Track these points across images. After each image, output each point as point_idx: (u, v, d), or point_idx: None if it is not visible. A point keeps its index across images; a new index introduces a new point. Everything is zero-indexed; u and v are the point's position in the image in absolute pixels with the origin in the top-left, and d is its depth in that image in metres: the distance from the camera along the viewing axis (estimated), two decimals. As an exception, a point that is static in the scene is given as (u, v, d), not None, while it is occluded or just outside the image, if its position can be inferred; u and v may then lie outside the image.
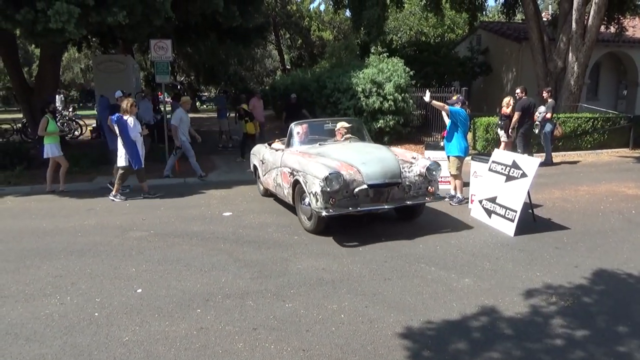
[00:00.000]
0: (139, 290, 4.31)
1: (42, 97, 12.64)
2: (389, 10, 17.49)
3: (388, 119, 12.52)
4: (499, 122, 10.19)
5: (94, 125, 16.33)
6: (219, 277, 4.61)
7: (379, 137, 12.93)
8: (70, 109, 20.37)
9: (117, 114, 7.82)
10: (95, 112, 19.38)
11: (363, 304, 3.97)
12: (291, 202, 6.36)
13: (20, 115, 16.41)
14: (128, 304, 4.04)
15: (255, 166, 8.18)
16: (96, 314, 3.87)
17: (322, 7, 36.74)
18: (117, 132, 7.75)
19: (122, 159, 7.82)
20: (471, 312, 3.78)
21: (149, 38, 10.85)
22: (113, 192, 8.01)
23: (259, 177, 7.98)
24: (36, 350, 3.35)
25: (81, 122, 17.50)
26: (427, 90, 7.39)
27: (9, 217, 7.11)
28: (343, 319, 3.72)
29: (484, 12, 22.12)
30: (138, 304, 4.04)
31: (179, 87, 27.95)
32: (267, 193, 7.79)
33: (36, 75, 14.26)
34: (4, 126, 16.30)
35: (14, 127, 15.82)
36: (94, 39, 17.11)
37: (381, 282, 4.43)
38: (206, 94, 37.10)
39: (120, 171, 7.90)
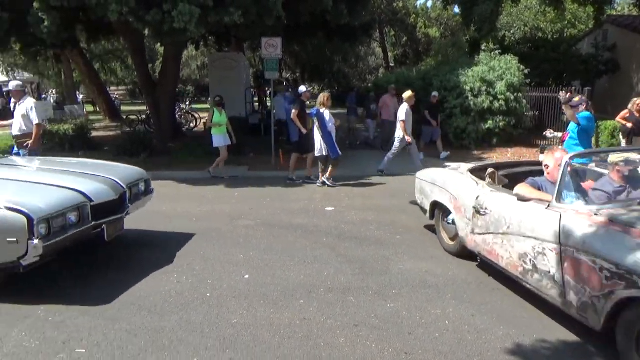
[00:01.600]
0: (247, 276, 4.52)
1: (164, 91, 13.82)
2: (503, 6, 16.55)
3: (498, 120, 11.87)
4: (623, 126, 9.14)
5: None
6: (321, 270, 4.67)
7: (486, 139, 12.31)
8: (187, 103, 21.98)
9: (315, 108, 8.43)
10: (208, 105, 20.74)
11: (469, 312, 3.79)
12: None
13: (145, 108, 18.07)
14: (237, 288, 4.25)
15: (436, 203, 5.27)
16: (208, 294, 4.11)
17: (430, 4, 35.86)
18: (317, 124, 8.30)
19: (319, 150, 8.38)
20: (595, 334, 3.43)
21: (261, 36, 11.34)
22: (327, 175, 8.58)
23: (450, 224, 5.02)
24: (156, 322, 3.64)
25: (196, 115, 18.83)
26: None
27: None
28: (447, 326, 3.58)
29: (612, 5, 20.05)
30: (245, 289, 4.23)
31: (284, 83, 28.93)
32: (466, 253, 4.74)
33: (160, 72, 15.60)
34: (131, 117, 18.04)
35: (140, 118, 17.43)
36: (210, 38, 18.27)
37: (490, 291, 4.19)
38: (309, 90, 38.12)
39: (311, 159, 8.58)
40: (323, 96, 8.60)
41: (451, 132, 12.42)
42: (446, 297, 4.06)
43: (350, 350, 3.26)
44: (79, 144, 12.29)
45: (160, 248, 5.31)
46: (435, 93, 11.88)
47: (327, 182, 8.60)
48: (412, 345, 3.32)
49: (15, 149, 7.53)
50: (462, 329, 3.53)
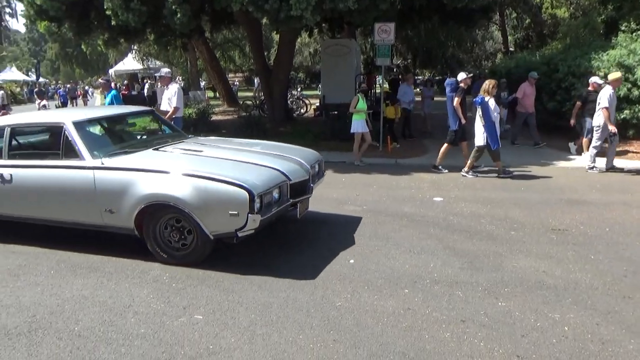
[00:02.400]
0: (352, 261, 4.55)
1: (278, 78, 14.35)
2: (649, -21, 14.53)
3: (636, 109, 10.53)
4: None
5: (317, 104, 17.82)
6: (427, 261, 4.55)
7: (621, 130, 11.02)
8: (298, 89, 22.62)
9: (480, 96, 8.09)
10: (318, 92, 21.15)
11: (593, 320, 3.44)
12: None
13: (260, 94, 19.00)
14: (341, 272, 4.30)
15: None
16: (314, 276, 4.22)
17: (559, -19, 32.70)
18: (480, 113, 8.04)
19: (480, 139, 8.11)
20: None
21: (374, 22, 11.22)
22: (465, 169, 8.41)
23: None
24: (265, 297, 3.83)
25: (306, 101, 19.31)
26: None
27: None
28: (567, 332, 3.28)
29: None
30: (350, 274, 4.26)
31: (394, 69, 28.47)
32: None
33: (274, 58, 16.23)
34: (247, 102, 19.03)
35: (255, 103, 18.32)
36: (324, 25, 18.53)
37: (619, 299, 3.76)
38: (420, 77, 36.99)
39: (476, 151, 8.27)
40: (489, 83, 8.08)
41: (578, 122, 11.29)
42: (566, 301, 3.73)
43: (456, 345, 3.14)
44: (201, 126, 13.26)
45: (271, 229, 5.55)
46: (595, 78, 10.74)
47: (467, 174, 8.30)
48: (525, 348, 3.10)
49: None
50: (584, 338, 3.22)
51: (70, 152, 4.66)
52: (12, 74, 43.74)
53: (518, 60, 16.99)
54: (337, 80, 16.00)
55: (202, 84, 28.28)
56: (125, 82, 28.03)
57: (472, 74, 9.77)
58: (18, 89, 39.35)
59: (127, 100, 23.85)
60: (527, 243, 5.03)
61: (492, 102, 7.96)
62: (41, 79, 54.33)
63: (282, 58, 14.55)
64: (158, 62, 26.38)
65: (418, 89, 20.87)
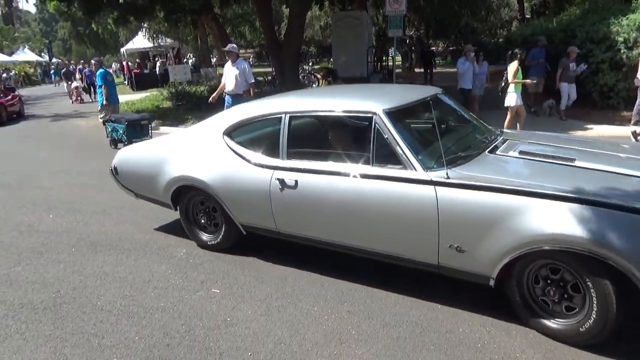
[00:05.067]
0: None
1: (289, 52, 14.22)
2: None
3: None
4: None
5: (329, 79, 17.65)
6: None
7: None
8: (310, 64, 22.41)
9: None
10: (330, 66, 20.89)
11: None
12: None
13: (270, 69, 18.83)
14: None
15: None
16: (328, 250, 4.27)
17: (578, -57, 31.48)
18: None
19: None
20: None
21: (384, -8, 11.02)
22: None
23: None
24: (280, 272, 3.90)
25: (318, 76, 19.13)
26: None
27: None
28: None
29: None
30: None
31: (407, 41, 27.97)
32: None
33: (285, 33, 16.05)
34: (259, 78, 18.93)
35: (266, 79, 18.22)
36: (334, -4, 18.24)
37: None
38: (433, 48, 36.35)
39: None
40: None
41: (595, 90, 11.05)
42: None
43: (469, 313, 3.18)
44: (212, 104, 13.28)
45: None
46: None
47: None
48: None
49: (229, 102, 8.29)
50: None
51: (387, 157, 3.24)
52: (26, 55, 44.00)
53: (534, 27, 16.56)
54: (348, 53, 15.85)
55: (214, 60, 28.13)
56: (137, 60, 28.05)
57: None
58: (32, 70, 39.70)
59: (139, 78, 23.98)
60: None
61: None
62: (54, 59, 54.58)
63: (292, 32, 14.38)
64: (168, 40, 26.27)
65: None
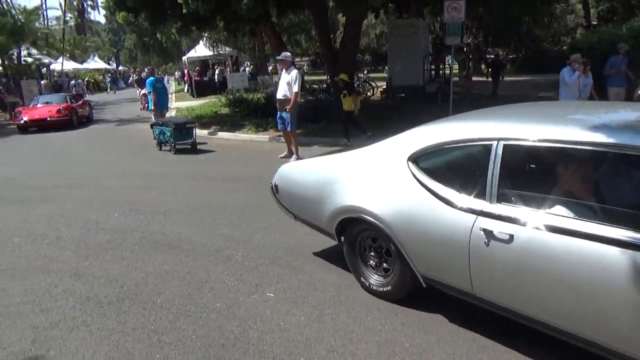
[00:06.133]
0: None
1: (344, 60, 14.28)
2: None
3: None
4: None
5: (384, 87, 17.58)
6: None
7: None
8: (365, 72, 22.40)
9: None
10: (384, 74, 20.79)
11: None
12: None
13: (325, 77, 18.99)
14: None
15: None
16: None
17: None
18: None
19: None
20: None
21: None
22: None
23: None
24: (334, 279, 3.89)
25: (373, 84, 19.12)
26: None
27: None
28: None
29: None
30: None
31: (465, 49, 27.40)
32: None
33: (340, 41, 16.14)
34: (314, 86, 19.13)
35: (321, 87, 18.39)
36: (391, 5, 18.16)
37: None
38: (491, 56, 35.39)
39: None
40: None
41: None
42: None
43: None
44: (268, 111, 13.55)
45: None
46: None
47: None
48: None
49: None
50: None
51: None
52: (96, 63, 46.86)
53: (601, 34, 15.78)
54: (404, 61, 15.72)
55: (270, 68, 28.73)
56: (197, 68, 29.08)
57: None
58: (100, 77, 42.16)
59: (199, 85, 24.88)
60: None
61: None
62: (120, 67, 57.67)
63: (348, 40, 14.44)
64: (227, 48, 27.10)
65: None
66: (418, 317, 3.29)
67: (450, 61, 19.65)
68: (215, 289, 3.83)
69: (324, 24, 15.23)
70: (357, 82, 18.04)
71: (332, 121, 11.72)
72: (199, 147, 10.69)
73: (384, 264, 3.54)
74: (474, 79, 25.20)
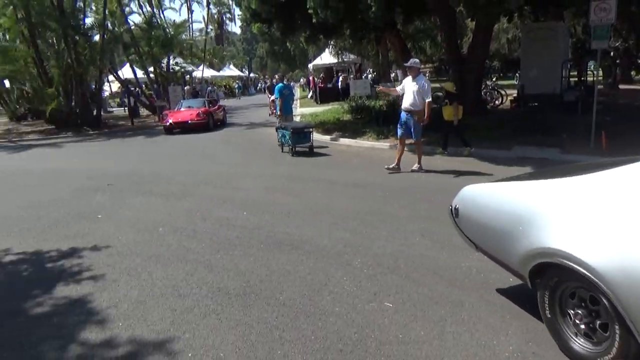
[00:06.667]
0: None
1: (471, 67, 13.71)
2: None
3: None
4: None
5: (515, 95, 16.51)
6: None
7: None
8: (494, 79, 21.27)
9: None
10: (515, 82, 19.52)
11: None
12: None
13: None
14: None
15: None
16: (510, 279, 3.93)
17: None
18: None
19: None
20: None
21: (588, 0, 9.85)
22: None
23: None
24: (456, 295, 3.72)
25: (502, 92, 18.05)
26: None
27: (443, 175, 8.13)
28: None
29: None
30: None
31: (611, 53, 24.65)
32: None
33: (469, 46, 15.51)
34: (438, 94, 18.60)
35: (444, 94, 17.82)
36: (526, 7, 17.01)
37: None
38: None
39: None
40: None
41: None
42: None
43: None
44: (389, 118, 13.48)
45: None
46: None
47: None
48: None
49: (404, 117, 8.29)
50: None
51: None
52: (231, 71, 50.95)
53: None
54: (539, 67, 14.62)
55: (392, 75, 28.63)
56: (322, 75, 30.07)
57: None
58: (234, 84, 45.69)
59: (323, 92, 25.66)
60: None
61: None
62: (252, 74, 61.79)
63: (476, 46, 13.83)
64: (352, 56, 27.60)
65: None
66: (553, 349, 2.98)
67: (593, 67, 17.82)
68: (334, 292, 3.88)
69: (451, 29, 14.78)
70: (484, 90, 17.18)
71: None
72: (320, 151, 11.14)
73: (595, 326, 2.73)
74: (621, 86, 22.54)
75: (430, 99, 8.09)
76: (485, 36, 14.02)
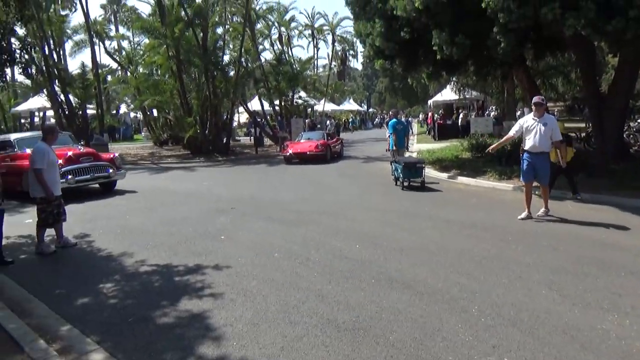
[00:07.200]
0: None
1: (612, 106, 12.45)
2: None
3: None
4: None
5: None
6: None
7: None
8: (639, 120, 19.08)
9: None
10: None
11: None
12: None
13: (583, 124, 16.87)
14: (702, 356, 3.32)
15: None
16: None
17: None
18: None
19: None
20: None
21: None
22: None
23: None
24: (585, 357, 3.29)
25: None
26: None
27: (574, 223, 7.42)
28: None
29: None
30: None
31: None
32: None
33: (609, 85, 14.15)
34: (570, 134, 17.18)
35: (579, 135, 16.41)
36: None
37: None
38: None
39: None
40: None
41: None
42: None
43: None
44: (513, 158, 12.63)
45: (597, 280, 4.79)
46: None
47: None
48: None
49: (530, 159, 7.51)
50: None
51: None
52: (350, 105, 52.36)
53: None
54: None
55: (517, 113, 27.15)
56: (441, 111, 29.54)
57: None
58: (351, 118, 46.83)
59: (441, 128, 25.16)
60: None
61: None
62: (370, 109, 62.88)
63: (619, 84, 12.54)
64: (474, 93, 26.78)
65: None
66: None
67: None
68: (448, 340, 3.66)
69: (589, 66, 13.63)
70: (627, 132, 15.48)
71: (593, 175, 10.30)
72: (433, 186, 11.18)
73: None
74: None
75: (560, 138, 7.50)
76: (631, 73, 12.68)
